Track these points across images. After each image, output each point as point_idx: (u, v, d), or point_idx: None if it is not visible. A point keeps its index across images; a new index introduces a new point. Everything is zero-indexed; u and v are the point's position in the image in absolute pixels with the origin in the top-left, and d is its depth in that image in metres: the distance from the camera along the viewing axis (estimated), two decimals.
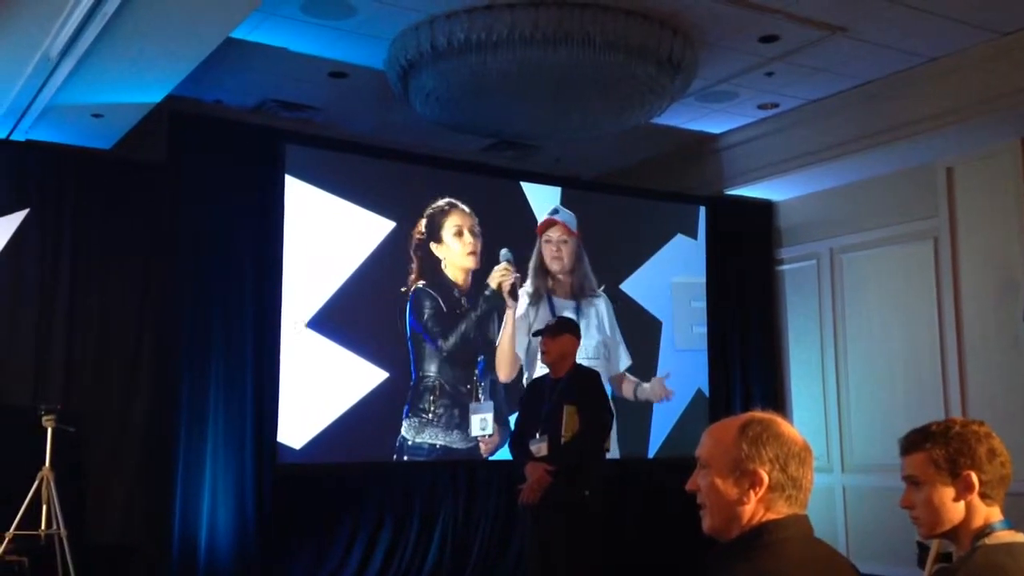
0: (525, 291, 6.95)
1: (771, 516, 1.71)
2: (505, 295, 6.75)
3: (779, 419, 1.77)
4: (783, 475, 1.71)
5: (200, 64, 5.08)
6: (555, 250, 7.10)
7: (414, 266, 6.48)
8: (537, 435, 4.84)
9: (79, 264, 6.15)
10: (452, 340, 6.52)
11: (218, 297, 5.86)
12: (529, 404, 5.08)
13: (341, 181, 6.32)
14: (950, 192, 6.71)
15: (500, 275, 6.73)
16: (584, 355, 7.06)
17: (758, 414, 1.78)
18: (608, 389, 7.10)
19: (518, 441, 5.02)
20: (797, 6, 5.29)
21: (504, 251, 6.75)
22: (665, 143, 7.64)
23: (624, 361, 7.32)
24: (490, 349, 6.71)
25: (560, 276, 7.12)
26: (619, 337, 7.32)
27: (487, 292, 6.71)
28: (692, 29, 5.54)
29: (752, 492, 1.71)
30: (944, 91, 6.11)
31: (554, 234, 7.12)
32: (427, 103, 5.79)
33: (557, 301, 7.07)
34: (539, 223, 7.07)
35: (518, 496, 4.80)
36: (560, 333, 4.95)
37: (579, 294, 7.19)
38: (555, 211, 7.13)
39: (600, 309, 7.25)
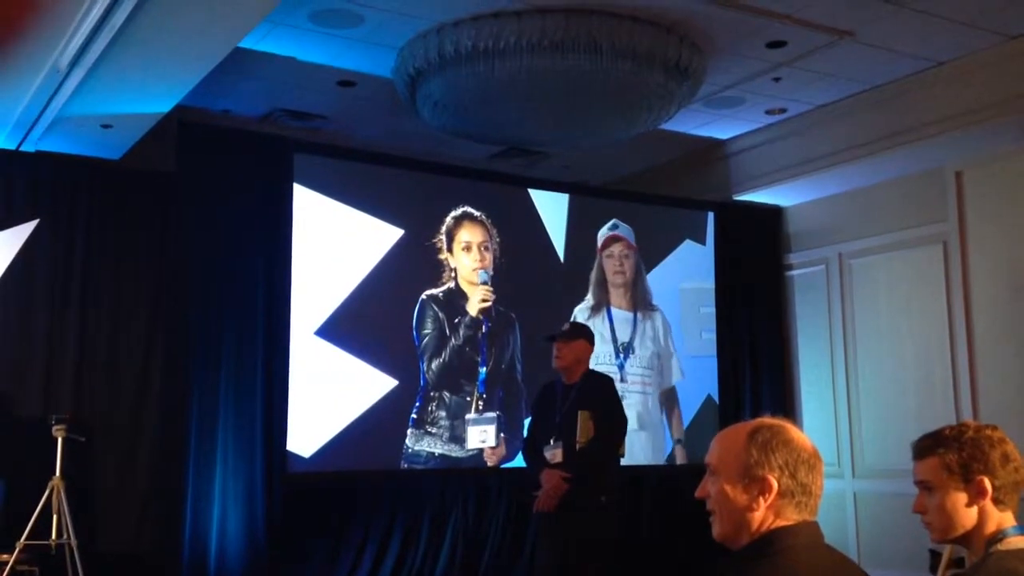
0: (587, 305, 7.00)
1: (781, 523, 1.70)
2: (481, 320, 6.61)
3: (788, 425, 1.77)
4: (792, 481, 1.70)
5: (209, 74, 5.10)
6: (618, 264, 7.21)
7: (438, 271, 6.51)
8: (551, 441, 4.78)
9: (89, 274, 6.19)
10: (435, 366, 6.41)
11: (228, 306, 5.86)
12: (541, 410, 5.02)
13: (350, 189, 6.33)
14: (959, 196, 6.68)
15: (481, 300, 6.62)
16: (640, 366, 7.03)
17: (767, 420, 1.77)
18: (657, 403, 7.14)
19: (532, 447, 4.96)
20: (805, 11, 5.29)
21: (482, 272, 6.66)
22: (673, 149, 7.64)
23: (676, 375, 7.36)
24: (473, 375, 6.55)
25: (621, 289, 7.19)
26: (672, 350, 7.35)
27: (467, 319, 6.58)
28: (699, 35, 5.54)
29: (761, 499, 1.70)
30: (953, 95, 6.09)
31: (616, 249, 7.23)
32: (435, 111, 5.80)
33: (616, 313, 7.12)
34: (601, 240, 7.17)
35: (533, 503, 4.75)
36: (575, 338, 4.88)
37: (638, 306, 7.24)
38: (615, 226, 7.23)
39: (656, 322, 7.31)
